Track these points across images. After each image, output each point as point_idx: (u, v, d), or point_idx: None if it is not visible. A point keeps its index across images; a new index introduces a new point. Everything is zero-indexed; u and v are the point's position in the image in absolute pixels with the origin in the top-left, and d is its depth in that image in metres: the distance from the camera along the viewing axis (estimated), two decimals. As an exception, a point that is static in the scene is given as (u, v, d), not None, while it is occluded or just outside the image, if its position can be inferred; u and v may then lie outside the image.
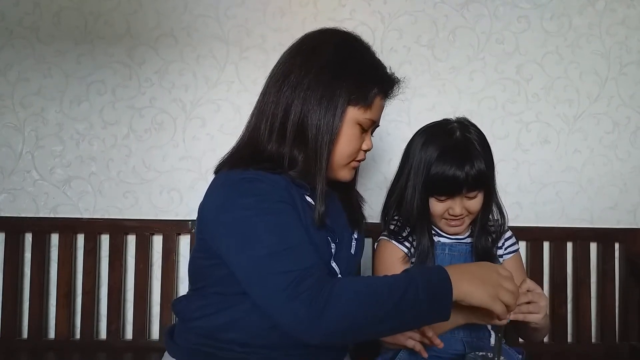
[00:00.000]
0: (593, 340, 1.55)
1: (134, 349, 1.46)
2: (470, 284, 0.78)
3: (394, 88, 0.96)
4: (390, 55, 1.57)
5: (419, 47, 1.58)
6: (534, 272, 1.53)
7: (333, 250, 0.90)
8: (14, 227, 1.51)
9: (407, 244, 1.12)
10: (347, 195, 1.03)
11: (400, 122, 1.58)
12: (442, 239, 1.12)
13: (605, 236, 1.56)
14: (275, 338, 0.86)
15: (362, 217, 1.05)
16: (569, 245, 1.56)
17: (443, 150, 1.04)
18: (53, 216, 1.54)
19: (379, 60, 0.95)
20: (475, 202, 1.05)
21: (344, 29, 0.96)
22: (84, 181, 1.56)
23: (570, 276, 1.56)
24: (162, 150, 1.56)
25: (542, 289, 1.51)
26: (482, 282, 0.79)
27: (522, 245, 1.55)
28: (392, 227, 1.14)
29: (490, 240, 1.10)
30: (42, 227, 1.51)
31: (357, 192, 1.09)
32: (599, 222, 1.60)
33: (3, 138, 1.55)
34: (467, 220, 1.07)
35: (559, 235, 1.55)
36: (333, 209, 0.95)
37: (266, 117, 0.89)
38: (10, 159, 1.55)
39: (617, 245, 1.57)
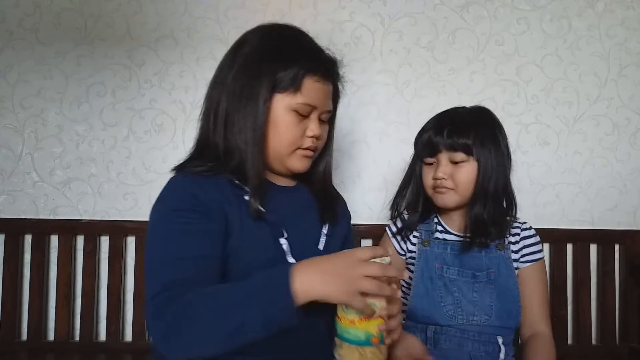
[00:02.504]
0: (593, 341, 1.55)
1: (134, 351, 1.45)
2: (322, 283, 0.72)
3: (328, 66, 0.91)
4: (390, 56, 1.57)
5: (418, 48, 1.58)
6: (534, 273, 1.53)
7: (285, 247, 0.87)
8: (14, 228, 1.51)
9: (399, 240, 1.18)
10: (320, 189, 1.00)
11: (399, 123, 1.58)
12: (448, 236, 1.14)
13: (605, 238, 1.56)
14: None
15: (333, 212, 1.00)
16: (569, 246, 1.56)
17: (433, 118, 1.14)
18: (53, 217, 1.54)
19: (309, 42, 0.92)
20: (462, 171, 1.07)
21: (283, 23, 0.94)
22: (83, 183, 1.56)
23: (571, 278, 1.56)
24: (162, 152, 1.56)
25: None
26: (336, 276, 0.72)
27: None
28: (397, 224, 1.20)
29: (487, 213, 1.07)
30: (41, 228, 1.51)
31: (333, 188, 1.06)
32: (599, 223, 1.60)
33: (3, 139, 1.55)
34: (454, 194, 1.09)
35: (559, 237, 1.55)
36: (292, 204, 0.94)
37: (203, 117, 0.93)
38: (10, 160, 1.55)
39: (617, 247, 1.57)
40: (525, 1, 1.58)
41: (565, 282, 1.54)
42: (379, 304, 0.76)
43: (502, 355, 1.06)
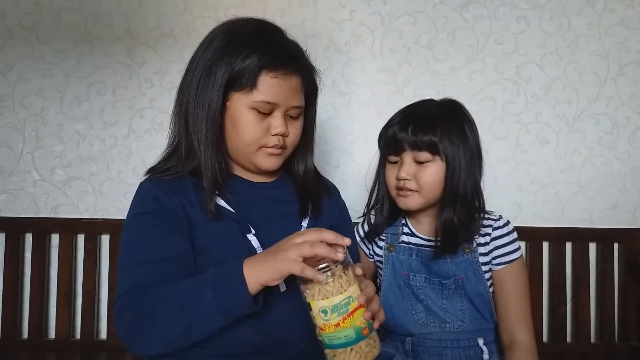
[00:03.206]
0: (592, 340, 1.55)
1: (134, 349, 1.46)
2: (262, 262, 0.74)
3: (286, 61, 0.86)
4: (389, 55, 1.58)
5: (418, 47, 1.58)
6: (533, 272, 1.53)
7: (254, 242, 0.87)
8: (15, 227, 1.51)
9: (366, 243, 1.15)
10: (300, 184, 0.99)
11: (399, 122, 1.58)
12: (414, 240, 1.09)
13: (604, 236, 1.56)
14: (227, 345, 0.83)
15: (315, 206, 0.97)
16: (568, 245, 1.56)
17: (399, 112, 1.07)
18: (53, 216, 1.55)
19: (267, 35, 0.88)
20: (427, 172, 1.01)
21: (248, 17, 0.93)
22: (84, 181, 1.56)
23: (570, 276, 1.56)
24: (162, 151, 1.56)
25: (542, 289, 1.54)
26: (273, 253, 0.74)
27: (521, 246, 1.55)
28: (363, 227, 1.17)
29: (457, 218, 1.02)
30: (42, 227, 1.51)
31: (319, 181, 1.03)
32: (598, 222, 1.60)
33: (3, 138, 1.55)
34: (418, 196, 1.03)
35: (558, 236, 1.55)
36: (266, 199, 0.94)
37: (173, 118, 0.93)
38: (11, 159, 1.55)
39: (616, 245, 1.57)
40: (524, 0, 1.58)
41: (565, 281, 1.54)
42: (353, 294, 0.73)
43: (485, 356, 1.03)
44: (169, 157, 0.94)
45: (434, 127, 1.00)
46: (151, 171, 0.93)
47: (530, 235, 1.55)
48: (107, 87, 1.55)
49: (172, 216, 0.85)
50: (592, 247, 1.57)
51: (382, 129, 1.09)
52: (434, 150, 1.00)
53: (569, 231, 1.56)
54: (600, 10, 1.59)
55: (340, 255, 0.71)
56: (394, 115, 1.08)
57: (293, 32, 0.96)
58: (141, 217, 0.86)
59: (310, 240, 0.72)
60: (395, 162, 1.05)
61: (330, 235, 0.73)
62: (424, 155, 1.00)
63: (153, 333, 0.76)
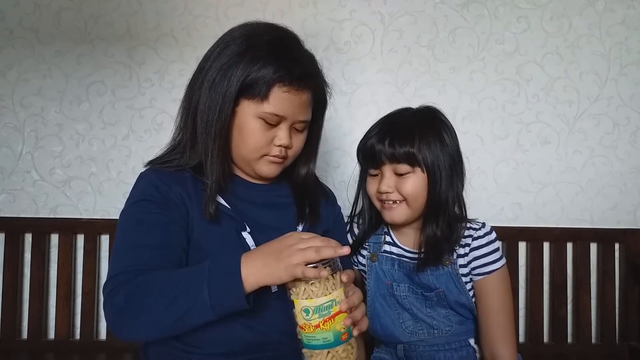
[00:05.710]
0: (593, 340, 1.55)
1: (134, 350, 1.45)
2: (264, 265, 0.73)
3: (300, 77, 0.87)
4: (390, 55, 1.57)
5: (419, 47, 1.58)
6: (534, 272, 1.53)
7: (249, 240, 0.88)
8: (14, 227, 1.51)
9: (354, 255, 1.12)
10: (299, 190, 0.99)
11: (400, 122, 1.57)
12: (395, 249, 1.08)
13: (605, 237, 1.56)
14: (220, 343, 0.84)
15: (312, 212, 0.98)
16: (569, 245, 1.56)
17: (376, 123, 1.05)
18: (53, 216, 1.54)
19: (285, 48, 0.88)
20: (408, 182, 0.99)
21: (268, 23, 0.92)
22: (83, 181, 1.56)
23: (571, 277, 1.56)
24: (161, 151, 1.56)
25: (543, 289, 1.53)
26: (276, 255, 0.73)
27: (522, 246, 1.55)
28: (348, 236, 1.15)
29: (440, 230, 1.00)
30: (41, 227, 1.51)
31: (318, 187, 1.04)
32: (599, 222, 1.60)
33: (3, 138, 1.54)
34: (403, 206, 1.01)
35: (559, 236, 1.55)
36: (262, 200, 0.95)
37: (179, 113, 0.95)
38: (10, 159, 1.55)
39: (617, 246, 1.57)
40: (525, 0, 1.58)
41: (565, 281, 1.54)
42: (337, 298, 0.73)
43: (479, 355, 1.03)
44: (172, 151, 0.94)
45: (411, 138, 0.98)
46: (152, 162, 0.94)
47: (531, 236, 1.55)
48: (107, 87, 1.55)
49: (172, 206, 0.86)
50: (593, 247, 1.57)
51: (360, 141, 1.07)
52: (412, 161, 0.98)
53: (570, 231, 1.56)
54: (601, 10, 1.58)
55: (346, 250, 0.73)
56: (371, 127, 1.06)
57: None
58: (141, 204, 0.86)
59: (316, 245, 0.72)
60: (376, 175, 1.04)
61: (334, 243, 0.74)
62: (404, 168, 0.99)
63: (143, 319, 0.75)
